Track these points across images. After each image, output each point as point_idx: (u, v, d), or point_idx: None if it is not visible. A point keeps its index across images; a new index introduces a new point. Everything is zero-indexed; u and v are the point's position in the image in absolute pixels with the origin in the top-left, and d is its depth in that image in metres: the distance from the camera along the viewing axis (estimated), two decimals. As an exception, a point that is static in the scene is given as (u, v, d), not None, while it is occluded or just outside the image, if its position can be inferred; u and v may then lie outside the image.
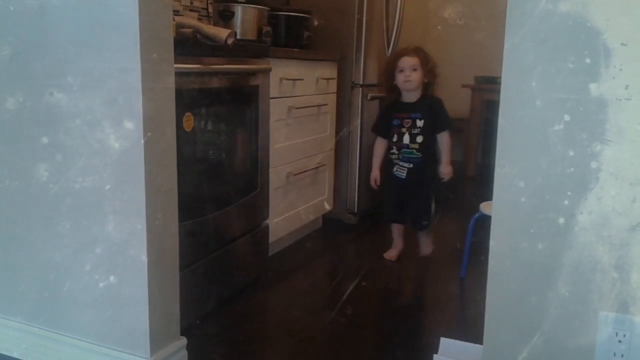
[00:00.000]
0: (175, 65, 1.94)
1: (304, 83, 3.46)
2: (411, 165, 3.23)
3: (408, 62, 3.19)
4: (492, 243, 1.65)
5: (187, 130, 2.28)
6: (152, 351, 1.95)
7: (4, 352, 2.17)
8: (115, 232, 1.94)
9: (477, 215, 2.98)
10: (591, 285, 1.55)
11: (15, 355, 2.17)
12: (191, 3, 3.68)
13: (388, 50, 4.16)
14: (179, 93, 1.96)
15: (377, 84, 4.10)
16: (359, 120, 4.00)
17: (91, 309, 2.02)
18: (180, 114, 2.11)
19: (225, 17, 3.39)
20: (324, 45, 3.94)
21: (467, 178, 5.76)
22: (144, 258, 1.87)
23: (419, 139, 3.21)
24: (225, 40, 2.58)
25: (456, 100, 5.84)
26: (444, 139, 3.25)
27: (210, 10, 3.72)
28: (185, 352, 2.10)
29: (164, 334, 2.01)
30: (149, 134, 1.83)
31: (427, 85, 3.26)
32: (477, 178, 5.73)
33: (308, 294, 2.97)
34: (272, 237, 3.19)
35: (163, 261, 1.96)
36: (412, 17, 4.48)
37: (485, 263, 1.64)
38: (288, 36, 3.73)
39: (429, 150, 3.23)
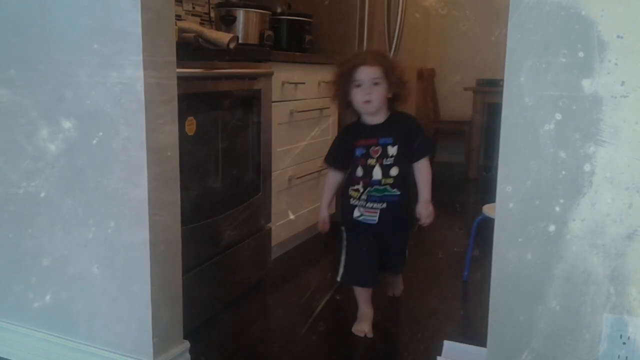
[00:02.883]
0: (178, 70, 1.86)
1: (306, 87, 3.37)
2: (384, 206, 2.31)
3: (367, 73, 2.24)
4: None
5: (189, 134, 2.22)
6: (155, 355, 1.87)
7: (4, 356, 2.10)
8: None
9: (480, 217, 2.87)
10: (584, 298, 1.40)
11: (15, 359, 2.09)
12: (193, 8, 3.60)
13: (390, 54, 4.06)
14: (181, 97, 1.87)
15: None
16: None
17: (93, 312, 1.94)
18: (182, 118, 2.03)
19: (227, 22, 3.32)
20: (325, 49, 3.84)
21: (469, 180, 5.64)
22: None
23: (394, 171, 2.29)
24: (227, 45, 2.54)
25: (458, 103, 5.85)
26: (423, 169, 2.33)
27: (212, 15, 3.63)
28: (188, 356, 2.03)
29: (167, 337, 1.93)
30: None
31: (394, 100, 2.34)
32: (479, 180, 5.61)
33: (311, 297, 2.84)
34: (275, 241, 3.11)
35: (164, 266, 1.88)
36: (413, 21, 4.32)
37: (487, 266, 1.52)
38: (290, 40, 3.64)
39: (407, 184, 2.34)
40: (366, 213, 2.33)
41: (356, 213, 2.35)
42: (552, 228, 1.40)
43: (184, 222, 1.98)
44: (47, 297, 1.93)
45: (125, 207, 1.76)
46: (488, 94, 5.36)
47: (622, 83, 1.31)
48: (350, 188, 2.35)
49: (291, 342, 2.39)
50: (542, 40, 1.36)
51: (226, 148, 2.62)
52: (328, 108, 3.62)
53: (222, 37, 2.57)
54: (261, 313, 2.71)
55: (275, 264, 3.18)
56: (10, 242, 1.91)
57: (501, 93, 1.44)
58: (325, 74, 3.54)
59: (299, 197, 3.40)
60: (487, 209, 2.81)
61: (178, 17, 3.36)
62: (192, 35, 2.50)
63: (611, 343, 1.40)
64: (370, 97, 2.24)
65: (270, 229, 3.03)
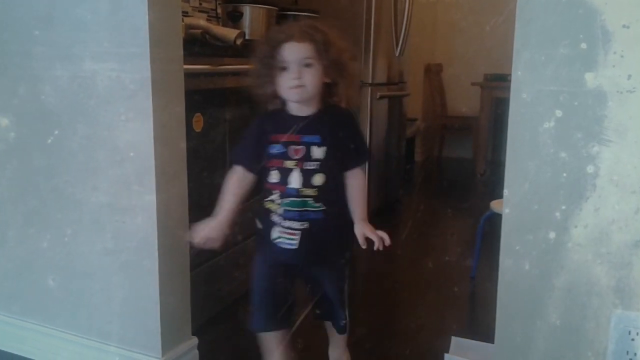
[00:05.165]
0: (185, 66, 1.78)
1: None
2: (306, 226, 1.68)
3: (295, 51, 1.61)
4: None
5: (196, 130, 2.16)
6: (164, 351, 1.82)
7: (12, 351, 2.03)
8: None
9: (487, 213, 2.76)
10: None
11: (23, 354, 2.01)
12: (200, 4, 3.48)
13: (397, 49, 3.96)
14: (188, 94, 1.79)
15: (387, 83, 3.90)
16: (369, 119, 3.75)
17: (102, 309, 1.88)
18: (189, 115, 1.97)
19: (234, 18, 3.20)
20: None
21: (477, 176, 5.50)
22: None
23: (318, 179, 1.66)
24: (234, 41, 2.46)
25: (466, 98, 5.71)
26: (356, 180, 1.74)
27: (219, 11, 3.52)
28: (196, 352, 1.97)
29: (175, 334, 1.88)
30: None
31: (331, 88, 1.70)
32: (487, 176, 5.44)
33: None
34: None
35: (172, 264, 1.82)
36: (420, 16, 4.18)
37: (495, 262, 1.40)
38: None
39: (337, 198, 1.72)
40: (284, 235, 1.68)
41: (274, 234, 1.70)
42: (552, 235, 1.27)
43: (190, 219, 1.90)
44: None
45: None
46: (496, 89, 5.23)
47: (629, 77, 1.18)
48: (266, 200, 1.71)
49: (299, 338, 2.26)
50: (541, 30, 1.23)
51: (233, 144, 2.50)
52: (335, 104, 3.49)
53: (229, 33, 2.49)
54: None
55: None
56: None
57: (509, 88, 1.32)
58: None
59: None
60: (494, 205, 2.69)
61: (185, 14, 3.28)
62: (199, 31, 2.43)
63: (619, 342, 1.28)
64: (301, 82, 1.61)
65: (278, 225, 2.93)
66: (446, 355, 1.96)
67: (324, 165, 1.65)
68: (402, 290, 2.89)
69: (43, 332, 1.99)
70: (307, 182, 1.64)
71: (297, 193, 1.64)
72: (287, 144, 1.65)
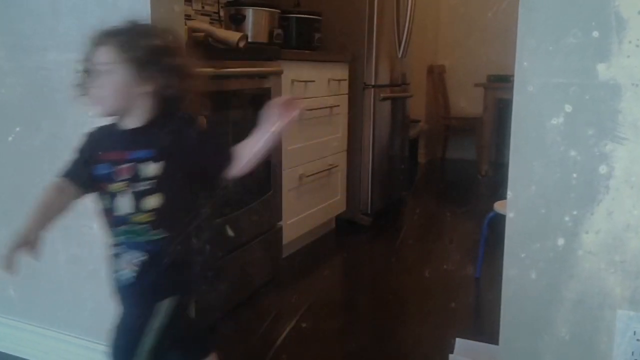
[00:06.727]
0: None
1: (316, 85, 3.16)
2: (145, 258, 1.35)
3: (98, 55, 1.30)
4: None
5: None
6: None
7: (12, 353, 1.97)
8: None
9: (491, 214, 2.69)
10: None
11: (19, 355, 1.95)
12: (203, 7, 3.44)
13: (399, 51, 3.90)
14: None
15: (390, 84, 3.85)
16: (372, 120, 3.69)
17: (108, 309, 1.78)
18: None
19: (236, 21, 3.14)
20: (335, 47, 3.65)
21: (481, 176, 5.45)
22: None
23: (153, 201, 1.33)
24: (237, 44, 2.45)
25: (469, 99, 5.64)
26: (242, 149, 1.40)
27: (222, 14, 3.46)
28: None
29: None
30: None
31: (174, 102, 1.36)
32: (491, 177, 5.40)
33: (324, 295, 2.74)
34: (286, 239, 2.95)
35: None
36: (423, 17, 4.13)
37: (499, 263, 1.31)
38: (299, 38, 3.45)
39: (183, 222, 1.40)
40: (122, 269, 1.37)
41: (113, 267, 1.40)
42: (560, 242, 1.15)
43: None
44: None
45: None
46: (499, 89, 5.18)
47: (645, 68, 1.06)
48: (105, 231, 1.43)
49: (304, 339, 2.28)
50: (548, 17, 1.11)
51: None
52: (338, 106, 3.46)
53: (232, 36, 2.47)
54: (274, 311, 2.58)
55: (287, 262, 3.05)
56: None
57: (512, 89, 1.22)
58: (334, 72, 3.40)
59: (309, 195, 3.24)
60: (498, 206, 2.63)
61: (188, 17, 3.25)
62: (201, 34, 2.43)
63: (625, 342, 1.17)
64: (98, 92, 1.32)
65: (281, 227, 2.89)
66: (450, 356, 1.94)
67: (162, 184, 1.34)
68: (405, 291, 2.85)
69: (41, 333, 1.91)
70: (139, 207, 1.33)
71: (128, 220, 1.34)
72: (113, 164, 1.35)
